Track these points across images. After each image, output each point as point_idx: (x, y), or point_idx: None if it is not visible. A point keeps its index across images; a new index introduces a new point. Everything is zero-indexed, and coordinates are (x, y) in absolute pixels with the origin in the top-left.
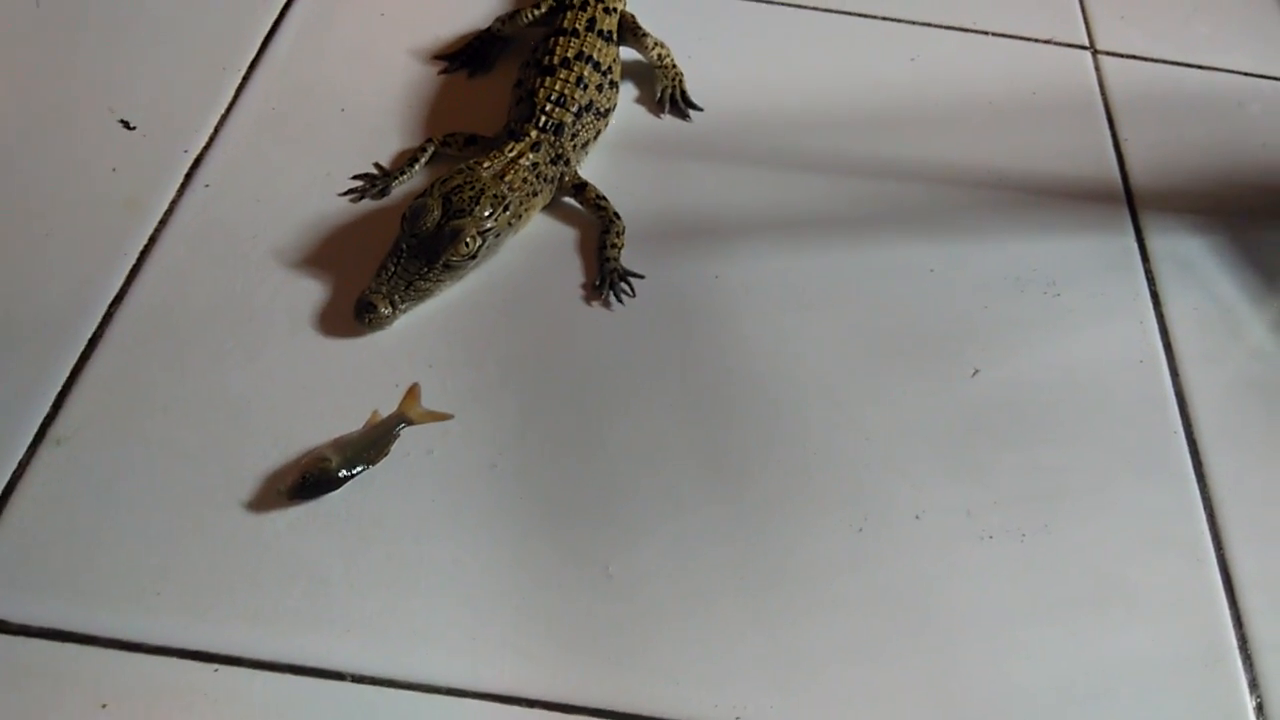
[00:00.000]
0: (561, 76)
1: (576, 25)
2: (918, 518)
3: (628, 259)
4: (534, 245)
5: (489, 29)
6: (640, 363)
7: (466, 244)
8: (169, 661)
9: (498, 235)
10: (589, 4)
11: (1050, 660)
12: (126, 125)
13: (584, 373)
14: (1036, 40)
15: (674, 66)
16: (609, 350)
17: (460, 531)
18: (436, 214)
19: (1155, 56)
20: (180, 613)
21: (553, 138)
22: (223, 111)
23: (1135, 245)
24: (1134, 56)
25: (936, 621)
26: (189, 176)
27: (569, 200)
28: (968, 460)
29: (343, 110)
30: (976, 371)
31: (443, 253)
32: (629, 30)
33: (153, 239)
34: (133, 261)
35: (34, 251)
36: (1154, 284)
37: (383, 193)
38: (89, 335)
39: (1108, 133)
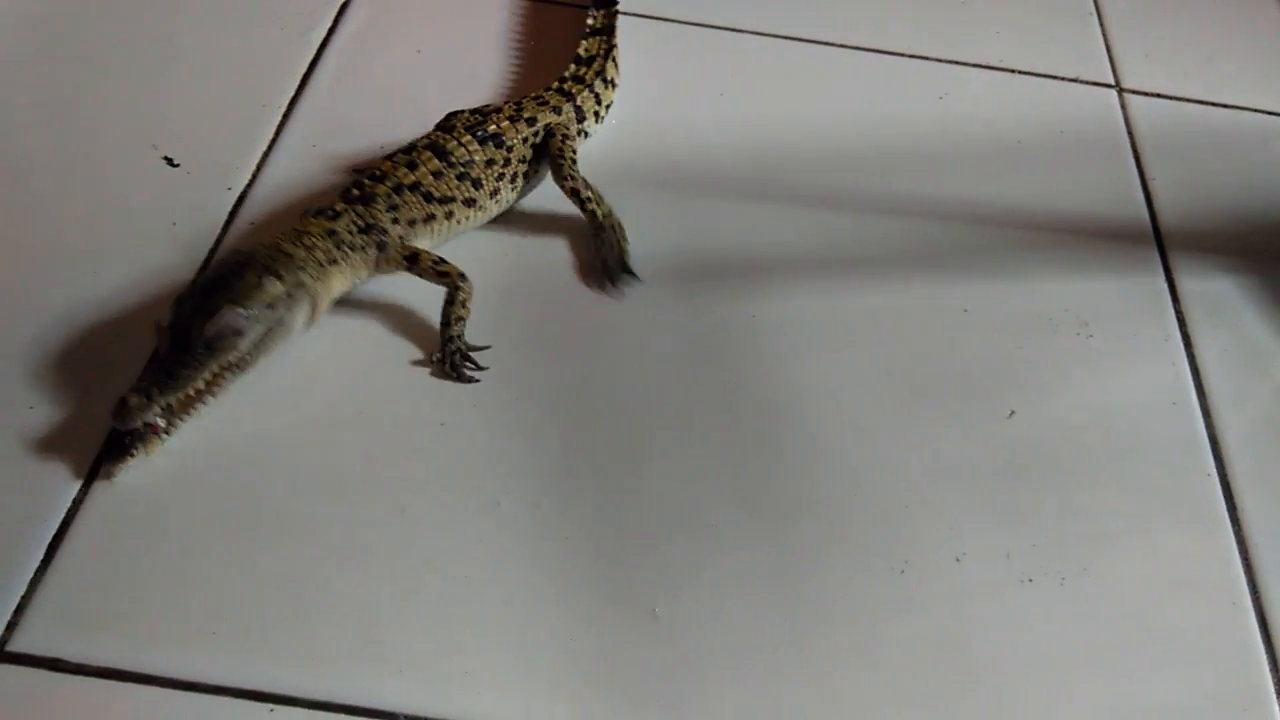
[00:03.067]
0: (394, 159)
1: (457, 123)
2: (958, 560)
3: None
4: (576, 285)
5: None
6: (681, 403)
7: (226, 320)
8: (225, 701)
9: (270, 308)
10: (495, 112)
11: (1089, 704)
12: (171, 162)
13: (625, 412)
14: (1063, 79)
15: (613, 228)
16: (649, 390)
17: (509, 571)
18: (198, 297)
19: (1180, 95)
20: (235, 652)
21: (360, 207)
22: (265, 148)
23: (1165, 286)
24: (1159, 95)
25: (978, 665)
26: (233, 214)
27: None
28: (1006, 502)
29: (381, 146)
30: (1012, 413)
31: (199, 332)
32: (552, 154)
33: (198, 276)
34: None
35: (83, 290)
36: (1185, 326)
37: None
38: (134, 375)
39: (1135, 172)
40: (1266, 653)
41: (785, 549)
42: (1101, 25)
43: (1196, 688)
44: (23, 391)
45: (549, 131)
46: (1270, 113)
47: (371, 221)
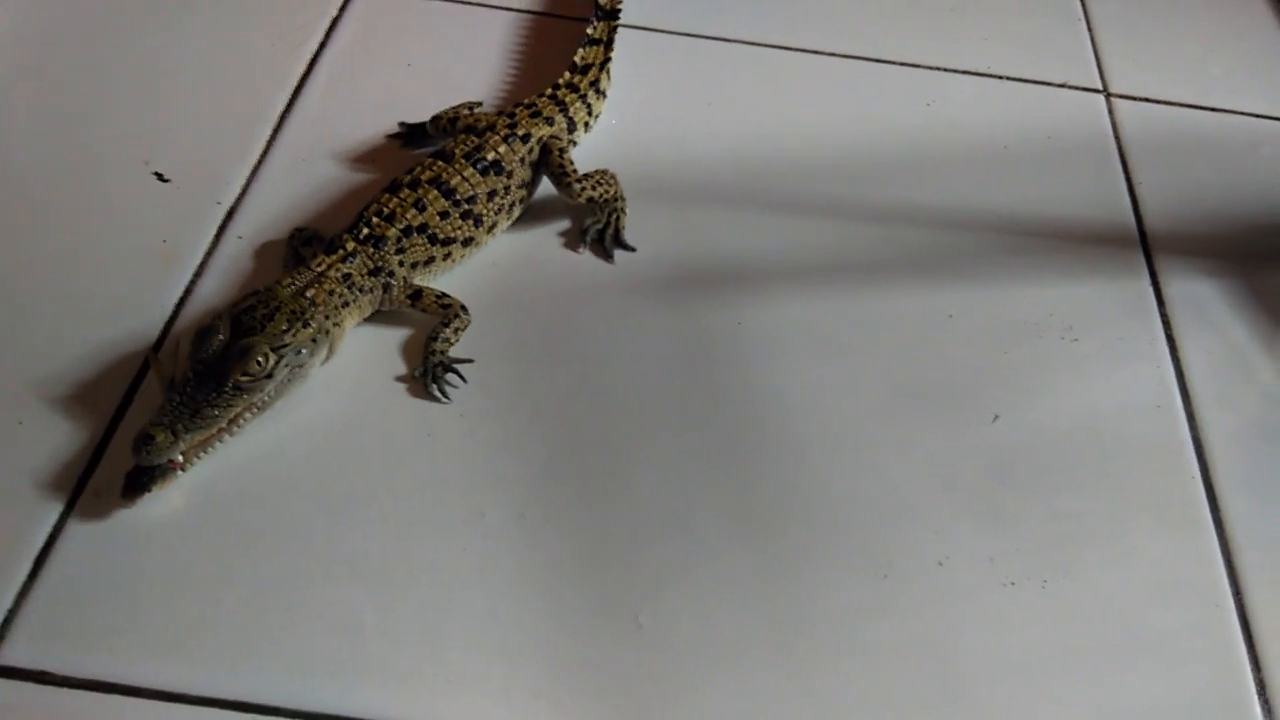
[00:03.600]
0: (401, 195)
1: (455, 150)
2: (941, 564)
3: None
4: (563, 295)
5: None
6: (666, 410)
7: (258, 362)
8: (210, 712)
9: (299, 352)
10: (490, 129)
11: (1071, 706)
12: (161, 178)
13: (610, 421)
14: (1051, 84)
15: (615, 200)
16: (635, 398)
17: (492, 581)
18: (224, 336)
19: (1169, 99)
20: (220, 663)
21: (371, 249)
22: (255, 162)
23: (1151, 289)
24: (1147, 99)
25: (961, 668)
26: (222, 228)
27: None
28: (989, 506)
29: (372, 161)
30: (997, 417)
31: (232, 373)
32: (550, 169)
33: (188, 290)
34: (169, 313)
35: (73, 304)
36: (1170, 329)
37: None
38: (123, 392)
39: (1122, 176)
40: (1248, 653)
41: (768, 555)
42: (1090, 30)
43: (1179, 689)
44: (11, 407)
45: (545, 147)
46: (1259, 115)
47: (381, 264)
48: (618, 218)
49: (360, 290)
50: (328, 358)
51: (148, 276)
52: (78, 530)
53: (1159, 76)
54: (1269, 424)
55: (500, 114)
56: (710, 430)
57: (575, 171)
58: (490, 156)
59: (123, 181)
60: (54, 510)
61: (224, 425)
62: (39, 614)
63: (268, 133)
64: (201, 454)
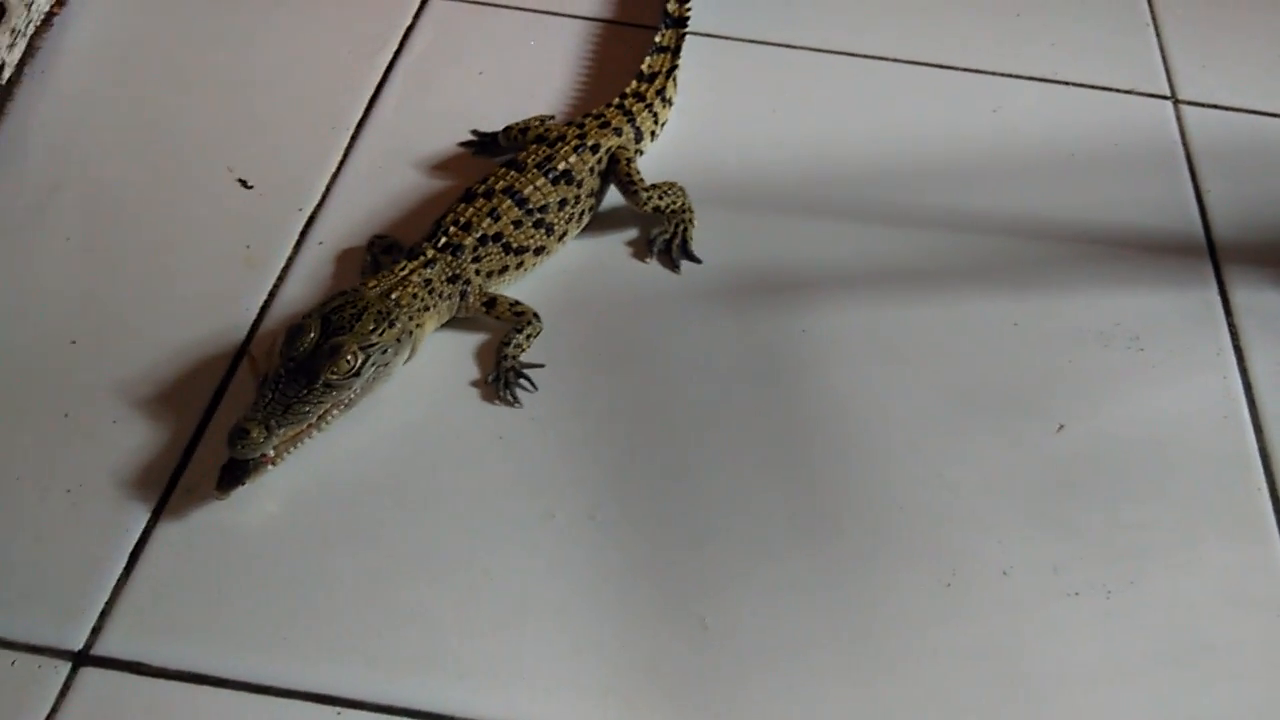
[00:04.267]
0: (476, 205)
1: (527, 160)
2: (1005, 574)
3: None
4: (630, 302)
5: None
6: (730, 415)
7: (348, 360)
8: (296, 704)
9: (385, 352)
10: (561, 139)
11: (1134, 717)
12: (245, 184)
13: (677, 425)
14: (1118, 90)
15: (682, 211)
16: (701, 403)
17: (562, 580)
18: (314, 334)
19: (1237, 106)
20: (305, 657)
21: (450, 257)
22: (334, 169)
23: (1218, 299)
24: (1216, 106)
25: (1024, 678)
26: (304, 234)
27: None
28: (1053, 516)
29: (446, 168)
30: (1061, 427)
31: (322, 371)
32: (618, 178)
33: (272, 294)
34: (254, 317)
35: (162, 307)
36: (1237, 339)
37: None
38: (212, 392)
39: (1190, 184)
40: None
41: (833, 560)
42: (1158, 36)
43: (1241, 701)
44: (104, 406)
45: (613, 157)
46: None
47: (458, 272)
48: (685, 229)
49: (440, 296)
50: (410, 357)
51: (233, 280)
52: (170, 527)
53: (1228, 82)
54: None
55: (570, 125)
56: (774, 435)
57: (642, 181)
58: (561, 166)
59: (208, 188)
60: (147, 507)
61: (313, 421)
62: (133, 607)
63: (345, 140)
64: (292, 449)
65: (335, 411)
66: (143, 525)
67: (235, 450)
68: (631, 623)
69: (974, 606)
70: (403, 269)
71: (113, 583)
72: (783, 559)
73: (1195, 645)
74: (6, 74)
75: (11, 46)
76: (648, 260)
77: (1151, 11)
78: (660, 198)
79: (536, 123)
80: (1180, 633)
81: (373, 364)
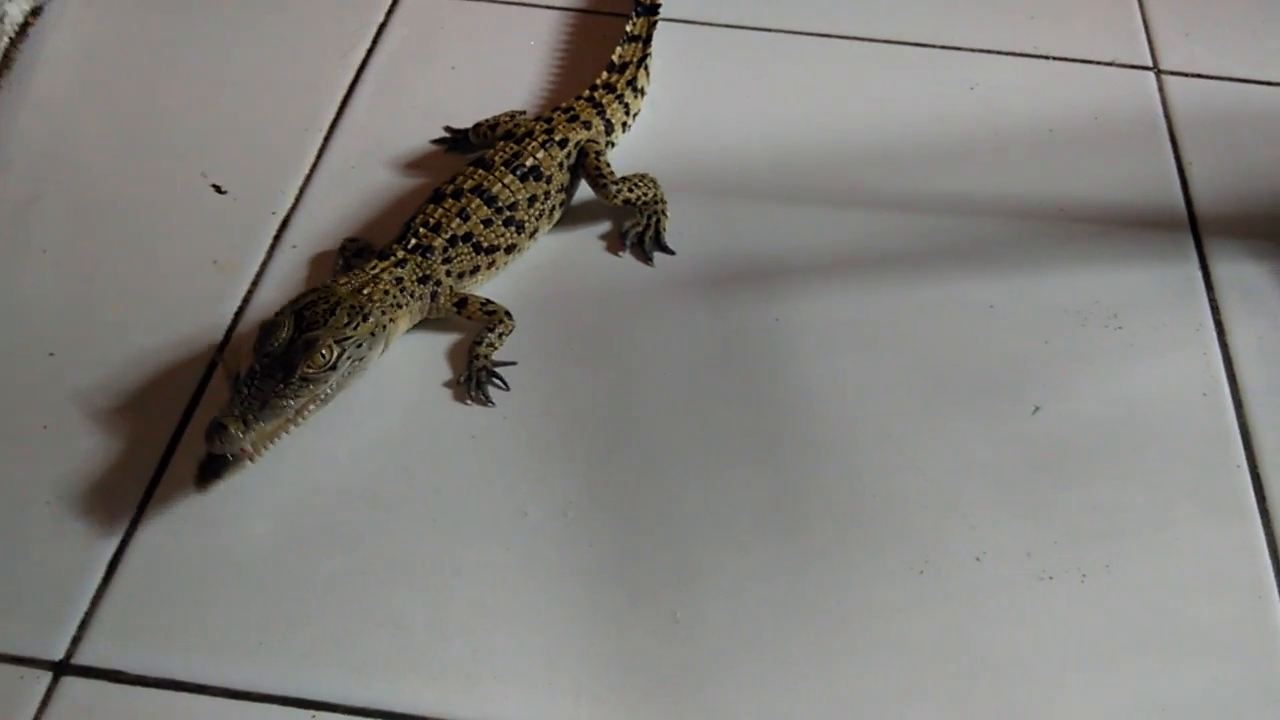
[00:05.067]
0: (445, 205)
1: (494, 157)
2: (978, 559)
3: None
4: (602, 296)
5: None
6: (703, 408)
7: (323, 354)
8: (273, 709)
9: (359, 345)
10: (528, 136)
11: (1111, 701)
12: (219, 189)
13: (649, 420)
14: (1099, 63)
15: (655, 203)
16: (673, 397)
17: (534, 579)
18: (288, 330)
19: (1221, 74)
20: (282, 662)
21: (420, 258)
22: (306, 173)
23: (1199, 273)
24: (1199, 75)
25: (998, 664)
26: (277, 238)
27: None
28: (1027, 499)
29: (419, 167)
30: (1037, 409)
31: (299, 365)
32: (587, 172)
33: (246, 300)
34: (228, 322)
35: (139, 314)
36: (1218, 313)
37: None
38: (187, 399)
39: (1171, 156)
40: None
41: (805, 550)
42: (1140, 4)
43: (1220, 682)
44: (84, 417)
45: (582, 151)
46: None
47: (429, 273)
48: (658, 220)
49: (411, 295)
50: (383, 350)
51: (207, 287)
52: (147, 535)
53: (1212, 50)
54: None
55: (538, 120)
56: (747, 426)
57: (612, 174)
58: (529, 163)
59: (183, 195)
60: (125, 516)
61: (290, 416)
62: (112, 616)
63: (319, 142)
64: (269, 444)
65: (311, 406)
66: (121, 534)
67: (214, 446)
68: (603, 618)
69: (947, 594)
70: (374, 268)
71: (92, 592)
72: (753, 550)
73: (1172, 627)
74: None
75: None
76: (621, 254)
77: None
78: (630, 190)
79: (506, 118)
80: (1156, 615)
81: (348, 357)
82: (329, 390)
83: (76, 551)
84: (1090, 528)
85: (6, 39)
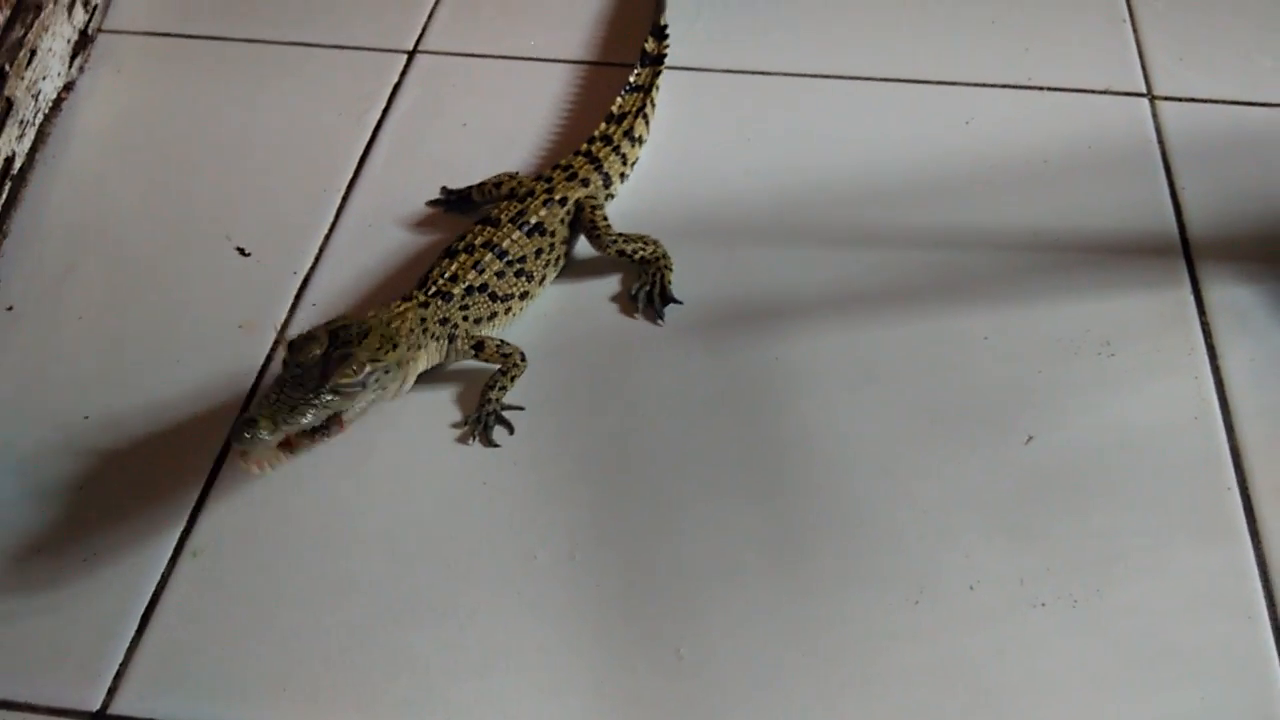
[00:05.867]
0: (460, 260)
1: (501, 215)
2: (971, 589)
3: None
4: (607, 343)
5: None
6: (705, 450)
7: (354, 369)
8: None
9: (386, 371)
10: (530, 195)
11: None
12: (242, 252)
13: (653, 462)
14: (1093, 91)
15: (658, 259)
16: (676, 440)
17: (543, 619)
18: (322, 345)
19: (1215, 97)
20: (304, 705)
21: (440, 302)
22: (326, 232)
23: (1191, 298)
24: (1192, 99)
25: (992, 692)
26: (298, 297)
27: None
28: (1020, 528)
29: (434, 224)
30: (1030, 438)
31: (333, 374)
32: (584, 226)
33: (269, 359)
34: (252, 381)
35: (166, 374)
36: (1210, 337)
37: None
38: (214, 457)
39: (1165, 182)
40: None
41: (803, 584)
42: (1135, 31)
43: (1211, 704)
44: (118, 476)
45: (579, 206)
46: None
47: (448, 316)
48: (661, 276)
49: (431, 336)
50: (400, 389)
51: (233, 347)
52: (177, 588)
53: (1205, 73)
54: None
55: (539, 179)
56: (747, 464)
57: (607, 227)
58: (534, 220)
59: (209, 259)
60: (157, 569)
61: (315, 424)
62: (146, 666)
63: (337, 201)
64: (274, 465)
65: (330, 429)
66: (153, 587)
67: (241, 440)
68: (609, 658)
69: (942, 623)
70: (398, 306)
71: (127, 643)
72: (755, 586)
73: (1164, 651)
74: (18, 163)
75: (21, 137)
76: (635, 316)
77: (1129, 6)
78: (626, 243)
79: (507, 178)
80: (1149, 638)
81: (376, 380)
82: (349, 413)
83: (112, 604)
84: (1082, 554)
85: (42, 115)
